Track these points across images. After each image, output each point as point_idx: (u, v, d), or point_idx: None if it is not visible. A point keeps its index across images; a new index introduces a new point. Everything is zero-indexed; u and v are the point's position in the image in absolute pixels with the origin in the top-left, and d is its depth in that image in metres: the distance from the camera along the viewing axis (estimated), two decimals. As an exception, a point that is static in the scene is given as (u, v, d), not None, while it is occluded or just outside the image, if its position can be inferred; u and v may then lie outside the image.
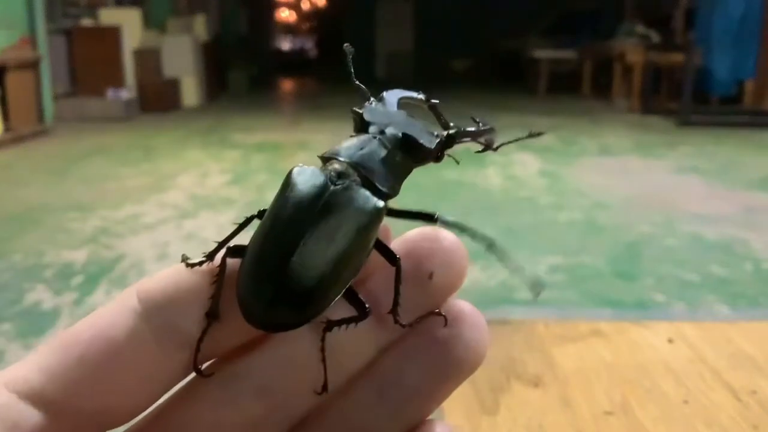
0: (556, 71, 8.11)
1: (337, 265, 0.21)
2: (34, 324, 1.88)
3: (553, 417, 0.54)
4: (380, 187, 0.23)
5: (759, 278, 2.24)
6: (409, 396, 0.22)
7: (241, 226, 0.24)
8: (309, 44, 15.56)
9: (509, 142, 0.25)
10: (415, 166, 0.24)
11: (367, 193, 0.22)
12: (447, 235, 0.23)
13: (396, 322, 0.22)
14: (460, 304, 0.23)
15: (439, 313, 0.22)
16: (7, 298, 2.06)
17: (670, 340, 0.65)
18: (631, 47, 6.76)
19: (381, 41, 10.58)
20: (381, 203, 0.22)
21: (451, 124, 0.25)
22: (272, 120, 6.36)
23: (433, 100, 0.25)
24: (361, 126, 0.24)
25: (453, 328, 0.22)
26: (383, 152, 0.23)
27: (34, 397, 0.20)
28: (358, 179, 0.23)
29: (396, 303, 0.22)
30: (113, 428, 0.21)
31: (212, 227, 2.81)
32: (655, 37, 6.94)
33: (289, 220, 0.22)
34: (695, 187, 3.55)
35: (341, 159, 0.23)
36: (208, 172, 3.93)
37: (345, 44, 0.28)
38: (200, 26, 7.61)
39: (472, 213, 3.02)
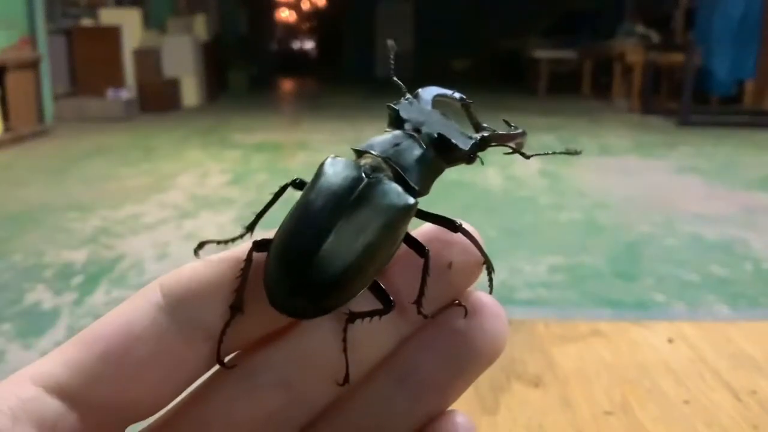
0: (556, 71, 8.11)
1: (366, 258, 0.21)
2: (34, 324, 1.88)
3: (553, 417, 0.54)
4: (413, 185, 0.23)
5: (759, 278, 2.24)
6: (428, 386, 0.22)
7: (277, 195, 0.24)
8: (309, 44, 15.56)
9: (544, 154, 0.25)
10: (447, 167, 0.24)
11: (400, 189, 0.22)
12: (464, 225, 0.23)
13: (419, 312, 0.22)
14: (480, 294, 0.23)
15: (460, 304, 0.22)
16: (7, 298, 2.06)
17: (670, 340, 0.65)
18: (631, 47, 6.76)
19: (381, 41, 10.59)
20: (413, 200, 0.22)
21: (484, 125, 0.25)
22: (272, 120, 6.36)
23: (467, 100, 0.25)
24: (396, 122, 0.24)
25: (473, 319, 0.22)
26: (418, 151, 0.23)
27: (60, 392, 0.20)
28: (391, 174, 0.23)
29: (422, 294, 0.22)
30: (137, 421, 0.22)
31: (212, 227, 2.81)
32: (655, 37, 6.94)
33: (322, 209, 0.22)
34: (695, 187, 3.55)
35: (375, 153, 0.23)
36: (208, 172, 3.93)
37: (388, 40, 0.28)
38: (200, 26, 7.61)
39: (472, 213, 3.02)
